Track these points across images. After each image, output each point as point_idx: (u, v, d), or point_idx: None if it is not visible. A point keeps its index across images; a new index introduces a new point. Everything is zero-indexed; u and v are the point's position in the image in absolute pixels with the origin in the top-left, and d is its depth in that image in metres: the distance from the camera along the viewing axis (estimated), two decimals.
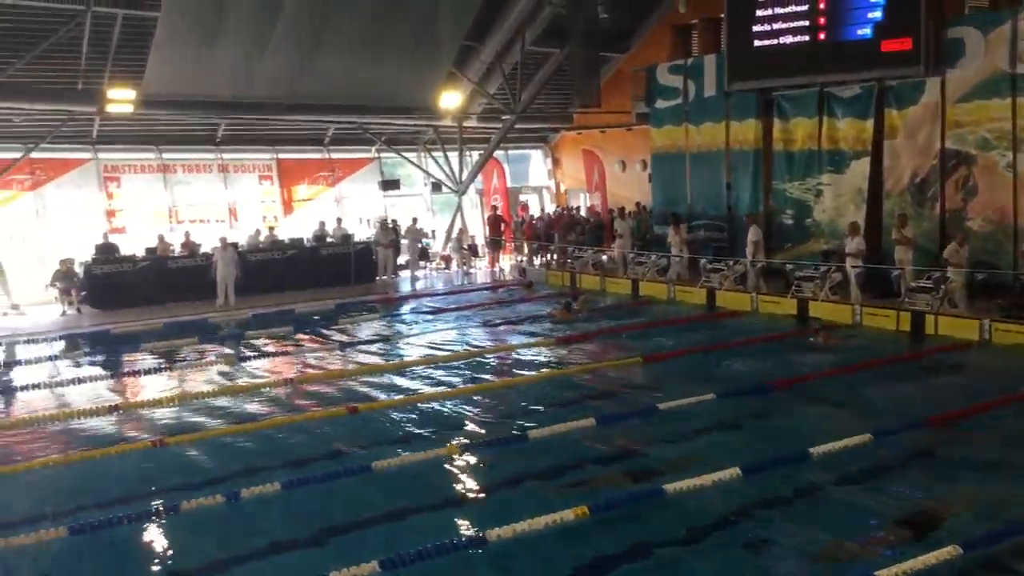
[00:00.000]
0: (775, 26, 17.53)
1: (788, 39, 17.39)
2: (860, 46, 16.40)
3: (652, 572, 5.94)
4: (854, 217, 16.54)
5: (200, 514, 6.83)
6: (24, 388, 11.58)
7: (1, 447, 9.01)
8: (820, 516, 6.77)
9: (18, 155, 20.21)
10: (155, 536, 6.61)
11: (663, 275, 18.82)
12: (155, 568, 6.14)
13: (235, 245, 20.08)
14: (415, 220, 24.56)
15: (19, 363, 13.51)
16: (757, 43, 17.82)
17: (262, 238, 22.58)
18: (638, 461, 8.10)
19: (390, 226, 23.40)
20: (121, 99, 19.02)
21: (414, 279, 23.10)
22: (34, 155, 20.63)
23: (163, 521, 6.80)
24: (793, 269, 16.42)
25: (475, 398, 10.56)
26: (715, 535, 6.46)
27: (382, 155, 26.31)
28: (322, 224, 23.61)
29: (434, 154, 26.16)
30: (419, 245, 24.19)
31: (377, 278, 21.97)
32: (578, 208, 26.69)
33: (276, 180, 25.01)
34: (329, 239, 22.86)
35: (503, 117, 24.26)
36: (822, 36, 16.96)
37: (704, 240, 19.73)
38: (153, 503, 7.15)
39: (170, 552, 6.36)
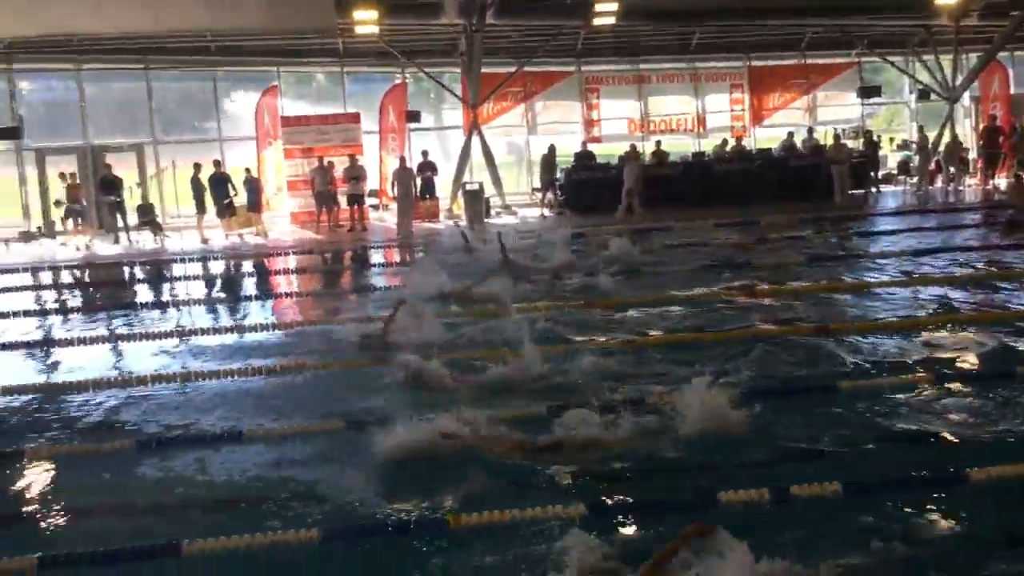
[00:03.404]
0: None
1: None
2: None
3: None
4: None
5: None
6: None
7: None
8: None
9: (513, 69, 22.23)
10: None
11: None
12: None
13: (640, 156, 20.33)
14: (921, 128, 22.65)
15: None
16: None
17: (728, 148, 22.41)
18: None
19: (848, 141, 21.60)
20: (605, 11, 19.89)
21: (924, 195, 21.19)
22: (526, 69, 22.53)
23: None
24: None
25: (958, 327, 9.45)
26: None
27: (862, 60, 24.31)
28: (790, 135, 22.71)
29: (924, 57, 23.53)
30: (907, 158, 22.00)
31: (841, 195, 20.50)
32: None
33: (746, 88, 24.51)
34: (799, 151, 21.96)
35: (1011, 13, 20.89)
36: None
37: None
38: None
39: None
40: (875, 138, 23.19)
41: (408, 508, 5.19)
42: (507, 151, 25.69)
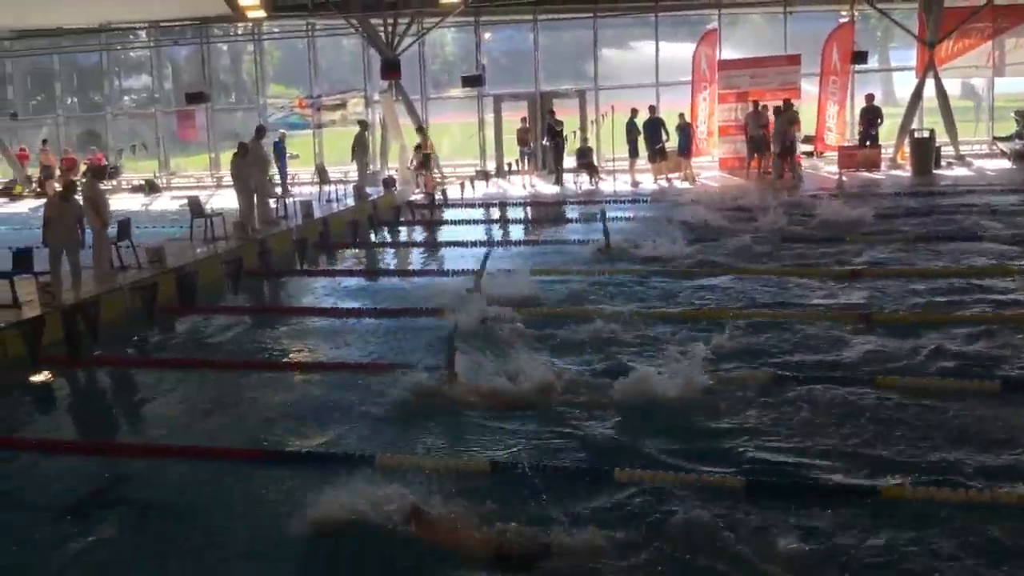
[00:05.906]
0: None
1: None
2: None
3: None
4: None
5: None
6: None
7: None
8: None
9: (982, 2, 19.71)
10: None
11: None
12: None
13: None
14: None
15: None
16: None
17: None
18: None
19: None
20: None
21: None
22: (996, 1, 19.88)
23: None
24: None
25: None
26: None
27: None
28: None
29: None
30: None
31: None
32: None
33: None
34: None
35: None
36: None
37: None
38: None
39: None
40: None
41: None
42: (961, 95, 23.10)
